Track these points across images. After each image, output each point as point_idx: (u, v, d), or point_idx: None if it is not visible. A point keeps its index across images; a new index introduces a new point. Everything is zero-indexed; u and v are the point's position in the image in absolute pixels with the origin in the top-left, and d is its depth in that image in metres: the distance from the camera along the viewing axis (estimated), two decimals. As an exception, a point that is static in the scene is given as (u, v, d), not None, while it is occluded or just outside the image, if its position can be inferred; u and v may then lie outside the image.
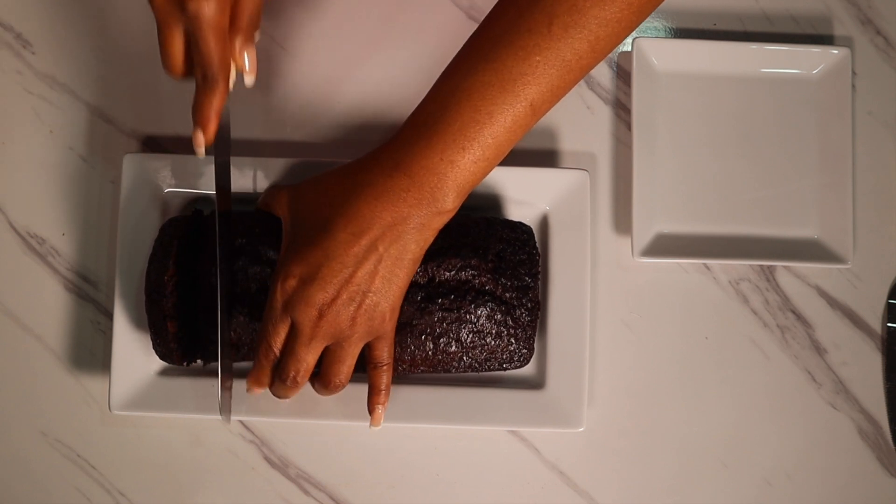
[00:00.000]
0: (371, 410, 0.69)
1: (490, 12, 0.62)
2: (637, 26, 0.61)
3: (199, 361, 0.72)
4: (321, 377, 0.67)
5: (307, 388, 0.69)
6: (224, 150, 0.68)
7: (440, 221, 0.63)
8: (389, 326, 0.66)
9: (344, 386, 0.67)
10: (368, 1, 0.80)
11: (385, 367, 0.68)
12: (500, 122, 0.60)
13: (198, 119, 0.63)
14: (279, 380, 0.66)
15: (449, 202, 0.62)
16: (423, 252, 0.64)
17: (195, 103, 0.63)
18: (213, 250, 0.69)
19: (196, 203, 0.76)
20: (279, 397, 0.68)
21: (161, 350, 0.71)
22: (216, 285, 0.68)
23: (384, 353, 0.67)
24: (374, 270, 0.63)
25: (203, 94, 0.62)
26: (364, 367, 0.68)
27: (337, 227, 0.62)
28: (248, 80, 0.64)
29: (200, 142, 0.64)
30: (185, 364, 0.72)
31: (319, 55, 0.79)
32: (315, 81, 0.79)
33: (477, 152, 0.61)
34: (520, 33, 0.59)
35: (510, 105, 0.60)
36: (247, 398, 0.72)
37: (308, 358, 0.65)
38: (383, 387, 0.68)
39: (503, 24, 0.60)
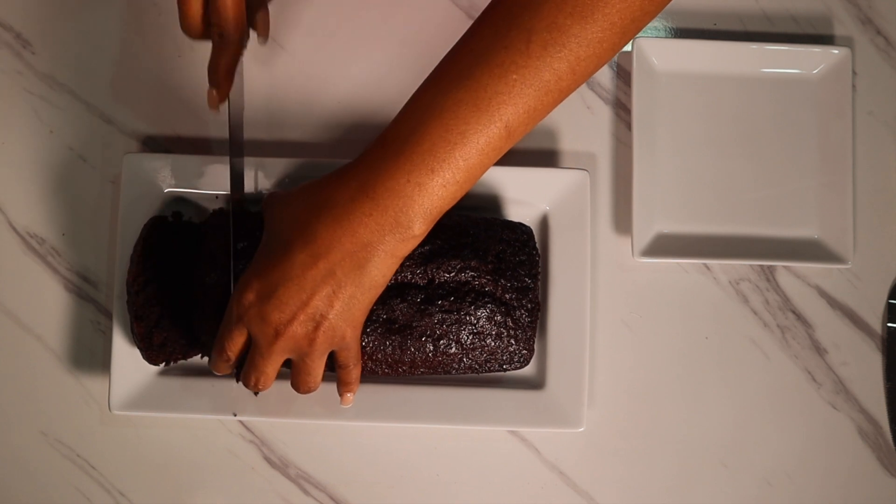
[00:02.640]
0: (340, 395, 0.69)
1: (468, 29, 0.60)
2: (620, 49, 0.58)
3: (171, 363, 0.72)
4: (291, 384, 0.67)
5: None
6: (238, 150, 0.71)
7: (405, 248, 0.60)
8: (350, 340, 0.64)
9: (314, 390, 0.67)
10: (369, 1, 0.80)
11: (351, 368, 0.67)
12: (472, 144, 0.57)
13: (213, 77, 0.65)
14: (245, 384, 0.66)
15: (415, 228, 0.59)
16: (387, 279, 0.61)
17: (211, 62, 0.65)
18: (195, 251, 0.70)
19: (180, 203, 0.76)
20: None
21: (140, 350, 0.71)
22: (203, 286, 0.69)
23: (349, 359, 0.66)
24: (333, 295, 0.60)
25: (219, 53, 0.65)
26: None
27: (296, 247, 0.60)
28: (261, 41, 0.68)
29: (215, 99, 0.66)
30: (164, 364, 0.72)
31: (319, 55, 0.79)
32: (314, 81, 0.79)
33: (446, 175, 0.57)
34: (497, 50, 0.56)
35: (484, 125, 0.57)
36: (249, 398, 0.73)
37: (267, 369, 0.64)
38: (352, 380, 0.68)
39: (480, 40, 0.58)
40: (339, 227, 0.59)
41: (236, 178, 0.71)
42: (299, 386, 0.66)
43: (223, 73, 0.65)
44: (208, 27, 0.64)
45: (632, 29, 0.58)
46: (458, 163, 0.57)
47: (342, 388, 0.68)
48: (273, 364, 0.64)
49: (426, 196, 0.58)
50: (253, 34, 0.67)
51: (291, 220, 0.62)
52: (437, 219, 0.60)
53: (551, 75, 0.57)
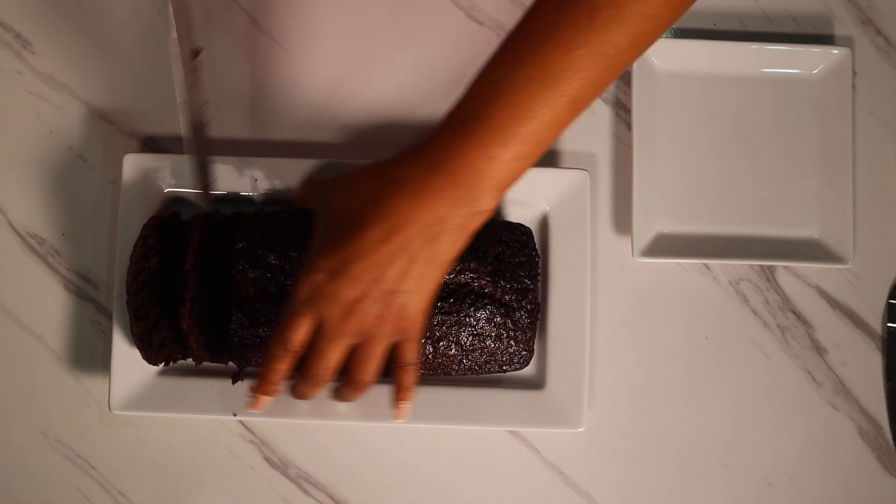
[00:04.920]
0: (396, 404, 0.67)
1: (529, 8, 0.61)
2: (675, 22, 0.61)
3: (171, 363, 0.72)
4: (348, 375, 0.66)
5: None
6: (204, 148, 0.71)
7: (477, 222, 0.61)
8: (417, 328, 0.64)
9: (371, 384, 0.66)
10: (368, 1, 0.80)
11: (411, 368, 0.66)
12: (541, 118, 0.59)
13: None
14: (304, 378, 0.65)
15: (487, 201, 0.60)
16: (457, 254, 0.62)
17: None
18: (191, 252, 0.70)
19: (180, 203, 0.76)
20: (300, 397, 0.67)
21: (140, 350, 0.71)
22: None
23: (410, 354, 0.65)
24: (406, 270, 0.61)
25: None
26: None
27: (370, 223, 0.61)
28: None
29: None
30: (163, 364, 0.72)
31: (318, 55, 0.79)
32: (313, 81, 0.79)
33: (518, 149, 0.59)
34: (561, 27, 0.58)
35: (551, 100, 0.59)
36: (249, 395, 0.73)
37: (334, 355, 0.64)
38: (409, 384, 0.67)
39: (544, 18, 0.59)
40: (416, 202, 0.60)
41: (202, 175, 0.72)
42: (358, 375, 0.65)
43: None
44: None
45: (687, 3, 0.60)
46: (528, 137, 0.59)
47: (399, 393, 0.67)
48: (340, 350, 0.64)
49: (498, 170, 0.60)
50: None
51: (361, 198, 0.62)
52: (506, 192, 0.61)
53: (613, 49, 0.59)
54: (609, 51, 0.58)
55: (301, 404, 0.72)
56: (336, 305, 0.62)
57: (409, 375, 0.66)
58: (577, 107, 0.60)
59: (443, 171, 0.60)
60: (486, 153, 0.59)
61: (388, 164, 0.63)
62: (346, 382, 0.66)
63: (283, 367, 0.65)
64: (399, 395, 0.67)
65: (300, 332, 0.63)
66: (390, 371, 0.66)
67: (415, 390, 0.67)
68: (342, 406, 0.72)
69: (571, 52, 0.58)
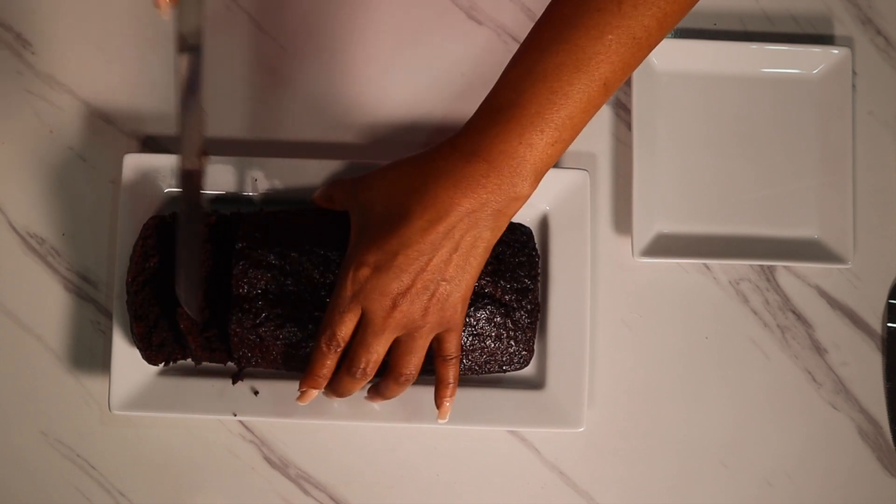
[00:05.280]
0: (439, 405, 0.68)
1: None
2: (698, 2, 0.62)
3: (171, 363, 0.72)
4: (391, 370, 0.66)
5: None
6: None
7: (515, 207, 0.63)
8: (459, 318, 0.65)
9: (414, 379, 0.66)
10: (368, 1, 0.80)
11: (454, 360, 0.67)
12: (575, 103, 0.60)
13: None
14: (347, 373, 0.65)
15: (527, 186, 0.62)
16: (496, 240, 0.64)
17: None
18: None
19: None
20: (339, 394, 0.67)
21: (140, 350, 0.71)
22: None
23: (453, 345, 0.66)
24: (449, 258, 0.62)
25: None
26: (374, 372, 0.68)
27: (413, 214, 0.62)
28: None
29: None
30: (163, 364, 0.72)
31: (318, 55, 0.79)
32: (313, 82, 0.79)
33: (554, 134, 0.61)
34: (590, 13, 0.60)
35: (585, 84, 0.60)
36: (249, 398, 0.73)
37: (379, 349, 0.64)
38: (451, 379, 0.67)
39: (572, 4, 0.61)
40: (459, 190, 0.61)
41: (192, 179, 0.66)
42: (401, 369, 0.65)
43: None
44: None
45: None
46: (564, 122, 0.61)
47: (441, 390, 0.68)
48: (385, 343, 0.64)
49: (537, 155, 0.61)
50: None
51: (401, 191, 0.63)
52: (544, 175, 0.63)
53: (642, 31, 0.60)
54: (639, 33, 0.60)
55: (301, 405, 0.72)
56: (383, 298, 0.63)
57: (453, 369, 0.67)
58: (609, 90, 0.62)
59: (482, 160, 0.61)
60: (524, 140, 0.61)
61: (425, 156, 0.64)
62: (389, 377, 0.66)
63: (330, 362, 0.66)
64: (442, 392, 0.68)
65: (347, 328, 0.65)
66: (425, 368, 0.67)
67: (456, 385, 0.68)
68: (375, 406, 0.72)
69: (602, 36, 0.60)
